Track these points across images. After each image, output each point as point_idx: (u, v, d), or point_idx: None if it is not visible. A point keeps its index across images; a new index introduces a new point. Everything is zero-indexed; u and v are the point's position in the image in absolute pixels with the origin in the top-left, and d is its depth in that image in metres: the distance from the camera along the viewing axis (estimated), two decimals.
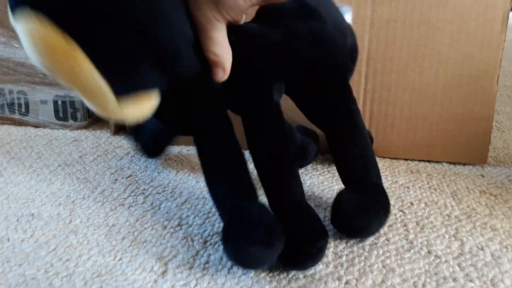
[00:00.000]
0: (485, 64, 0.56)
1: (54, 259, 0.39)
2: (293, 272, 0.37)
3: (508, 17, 0.55)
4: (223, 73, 0.35)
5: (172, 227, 0.44)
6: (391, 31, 0.57)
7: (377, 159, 0.61)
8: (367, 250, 0.40)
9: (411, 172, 0.57)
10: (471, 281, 0.36)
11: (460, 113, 0.58)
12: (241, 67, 0.37)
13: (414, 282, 0.36)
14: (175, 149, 0.64)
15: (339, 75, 0.43)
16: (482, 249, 0.40)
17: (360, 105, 0.60)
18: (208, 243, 0.41)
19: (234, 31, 0.35)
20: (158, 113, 0.34)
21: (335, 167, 0.45)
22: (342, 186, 0.43)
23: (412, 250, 0.40)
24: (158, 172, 0.56)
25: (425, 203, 0.48)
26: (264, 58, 0.39)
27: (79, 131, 0.71)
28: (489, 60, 0.56)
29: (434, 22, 0.56)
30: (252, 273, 0.37)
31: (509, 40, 1.47)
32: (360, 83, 0.59)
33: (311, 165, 0.58)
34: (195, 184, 0.53)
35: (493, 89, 0.57)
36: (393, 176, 0.56)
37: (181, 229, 0.44)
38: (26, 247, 0.41)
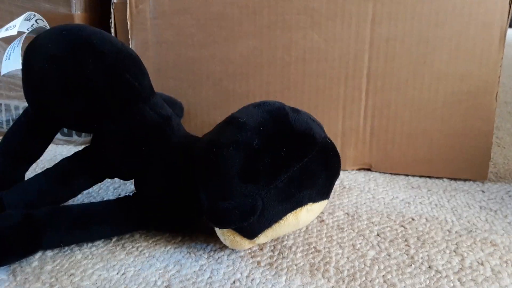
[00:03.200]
0: (484, 81, 0.57)
1: (59, 273, 0.39)
2: (294, 286, 0.37)
3: (505, 35, 0.56)
4: None
5: (175, 242, 0.44)
6: (390, 49, 0.58)
7: (378, 174, 0.61)
8: (368, 265, 0.41)
9: (412, 187, 0.57)
10: None
11: (460, 129, 0.59)
12: None
13: None
14: None
15: None
16: (482, 264, 0.41)
17: (360, 121, 0.61)
18: (211, 258, 0.42)
19: None
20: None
21: None
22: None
23: (413, 265, 0.40)
24: None
25: (426, 219, 0.49)
26: None
27: (83, 146, 0.72)
28: (487, 77, 0.57)
29: (433, 40, 0.57)
30: (254, 287, 0.37)
31: (510, 57, 1.49)
32: (360, 99, 0.60)
33: None
34: None
35: (492, 106, 0.58)
36: (393, 191, 0.56)
37: (184, 244, 0.44)
38: (32, 261, 0.41)
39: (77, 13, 0.66)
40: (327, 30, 0.59)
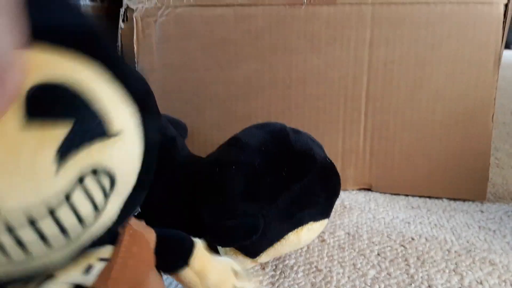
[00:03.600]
0: (480, 103, 0.59)
1: None
2: None
3: (500, 58, 0.58)
4: None
5: None
6: (388, 71, 0.60)
7: (378, 194, 0.62)
8: (369, 284, 0.41)
9: (412, 207, 0.58)
10: None
11: (458, 150, 0.60)
12: None
13: None
14: None
15: None
16: (481, 283, 0.41)
17: (360, 142, 0.62)
18: None
19: None
20: None
21: None
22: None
23: (413, 284, 0.41)
24: None
25: (426, 238, 0.50)
26: None
27: None
28: (483, 99, 0.58)
29: (429, 63, 0.59)
30: None
31: (509, 78, 1.51)
32: (360, 121, 0.62)
33: None
34: None
35: (489, 127, 0.59)
36: (394, 211, 0.57)
37: None
38: None
39: None
40: (326, 53, 0.61)
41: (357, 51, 0.60)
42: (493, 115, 0.59)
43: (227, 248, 0.40)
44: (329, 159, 0.44)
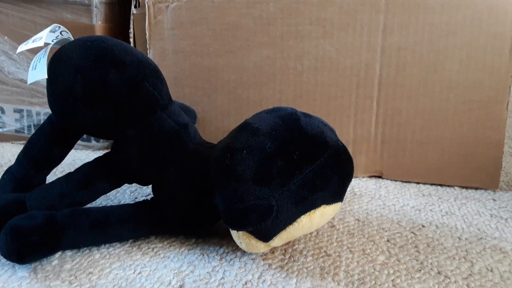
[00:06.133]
0: (495, 91, 0.58)
1: (78, 272, 0.41)
2: None
3: None
4: None
5: (189, 244, 0.46)
6: (401, 58, 0.59)
7: (389, 181, 0.62)
8: (377, 269, 0.41)
9: (423, 195, 0.58)
10: None
11: (471, 137, 0.59)
12: None
13: None
14: None
15: None
16: (491, 270, 0.41)
17: (372, 129, 0.62)
18: (223, 259, 0.43)
19: None
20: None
21: None
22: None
23: (422, 270, 0.41)
24: None
25: (436, 225, 0.49)
26: None
27: (101, 151, 0.75)
28: (498, 87, 0.57)
29: (444, 50, 0.58)
30: None
31: None
32: (372, 108, 0.61)
33: None
34: None
35: (503, 115, 0.58)
36: (404, 198, 0.57)
37: (197, 246, 0.45)
38: (53, 260, 0.43)
39: (98, 23, 0.69)
40: (339, 40, 0.60)
41: (370, 37, 0.59)
42: (507, 104, 0.58)
43: (240, 233, 0.41)
44: (341, 142, 0.43)
